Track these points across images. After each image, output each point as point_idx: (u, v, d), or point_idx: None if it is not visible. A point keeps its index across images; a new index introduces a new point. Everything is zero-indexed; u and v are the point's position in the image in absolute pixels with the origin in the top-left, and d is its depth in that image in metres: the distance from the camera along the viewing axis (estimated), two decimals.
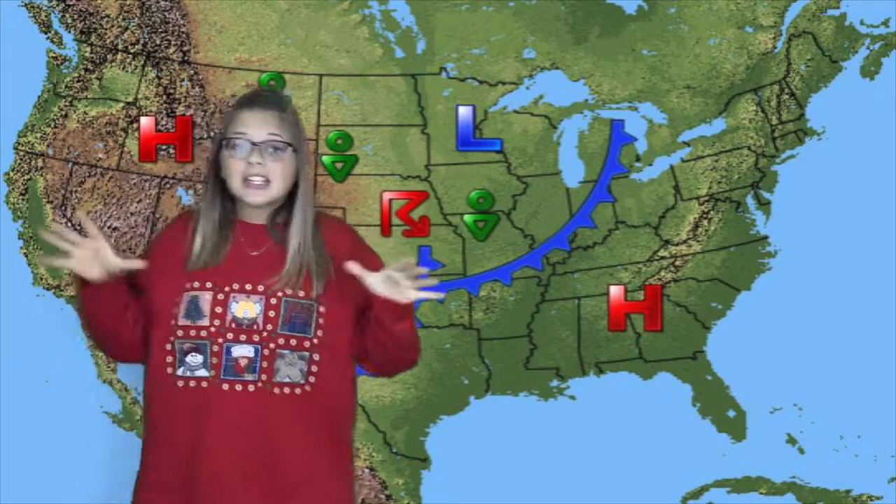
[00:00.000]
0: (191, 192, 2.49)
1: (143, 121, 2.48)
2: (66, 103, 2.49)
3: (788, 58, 2.48)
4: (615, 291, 2.48)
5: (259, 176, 1.79)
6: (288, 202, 1.85)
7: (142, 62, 2.49)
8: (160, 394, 1.80)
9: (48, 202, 2.49)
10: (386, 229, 2.49)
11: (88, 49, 2.49)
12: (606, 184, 2.49)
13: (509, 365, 2.51)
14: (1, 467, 2.50)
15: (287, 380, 1.76)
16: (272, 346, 1.77)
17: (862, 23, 2.48)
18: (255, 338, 1.77)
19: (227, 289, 1.79)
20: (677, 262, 2.50)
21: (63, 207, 2.49)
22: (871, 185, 2.48)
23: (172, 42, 2.49)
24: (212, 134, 2.49)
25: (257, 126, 1.81)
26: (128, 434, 2.52)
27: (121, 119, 2.49)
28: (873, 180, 2.48)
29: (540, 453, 2.51)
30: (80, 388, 2.50)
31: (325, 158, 2.49)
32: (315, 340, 1.79)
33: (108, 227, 2.50)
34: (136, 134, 2.49)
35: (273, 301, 1.78)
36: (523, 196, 2.50)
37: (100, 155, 2.49)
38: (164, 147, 2.49)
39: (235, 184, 1.81)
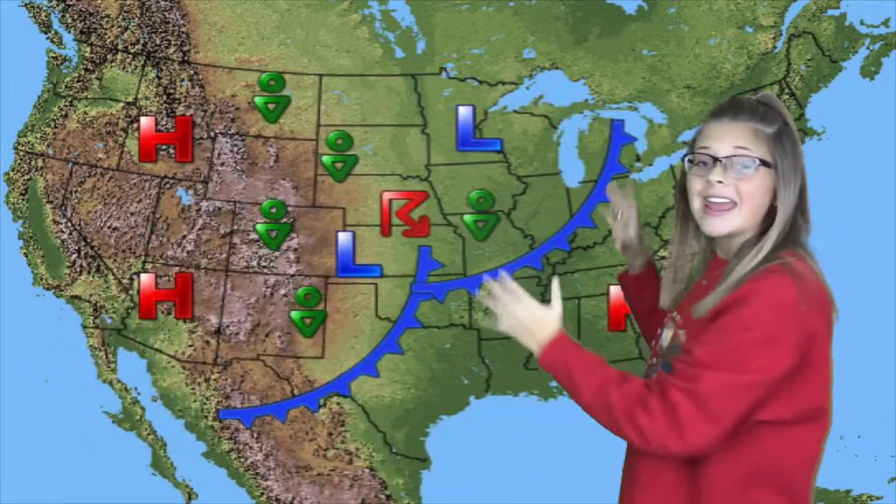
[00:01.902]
0: (191, 192, 2.49)
1: (143, 121, 2.48)
2: (66, 103, 2.49)
3: (788, 58, 2.48)
4: (615, 291, 2.48)
5: (719, 197, 1.53)
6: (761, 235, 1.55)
7: (142, 62, 2.49)
8: None
9: (48, 202, 2.49)
10: (386, 229, 2.49)
11: (88, 49, 2.49)
12: (606, 184, 2.49)
13: (509, 365, 2.51)
14: (1, 467, 2.50)
15: None
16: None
17: (862, 23, 2.48)
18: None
19: (672, 311, 1.68)
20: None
21: (63, 207, 2.49)
22: (871, 185, 2.48)
23: (172, 42, 2.49)
24: (212, 134, 2.49)
25: (722, 138, 1.54)
26: (128, 434, 2.52)
27: (121, 119, 2.49)
28: (873, 180, 2.48)
29: (540, 453, 2.51)
30: (80, 388, 2.50)
31: (325, 158, 2.49)
32: None
33: (108, 227, 2.50)
34: (136, 134, 2.49)
35: (675, 338, 1.61)
36: (523, 196, 2.50)
37: (100, 155, 2.50)
38: (164, 147, 2.49)
39: (695, 207, 1.57)
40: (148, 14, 2.48)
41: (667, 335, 1.63)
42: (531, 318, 1.59)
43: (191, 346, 2.51)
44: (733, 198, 1.52)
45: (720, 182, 1.52)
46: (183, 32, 2.49)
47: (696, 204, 1.56)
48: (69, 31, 2.49)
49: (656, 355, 1.67)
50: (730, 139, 1.53)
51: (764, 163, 1.52)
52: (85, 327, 2.51)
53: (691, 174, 1.58)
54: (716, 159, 1.53)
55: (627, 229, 1.89)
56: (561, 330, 1.59)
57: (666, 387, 1.46)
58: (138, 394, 2.52)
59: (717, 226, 1.54)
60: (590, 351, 1.58)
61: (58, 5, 2.48)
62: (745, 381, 1.43)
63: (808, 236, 1.57)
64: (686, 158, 1.59)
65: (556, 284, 1.61)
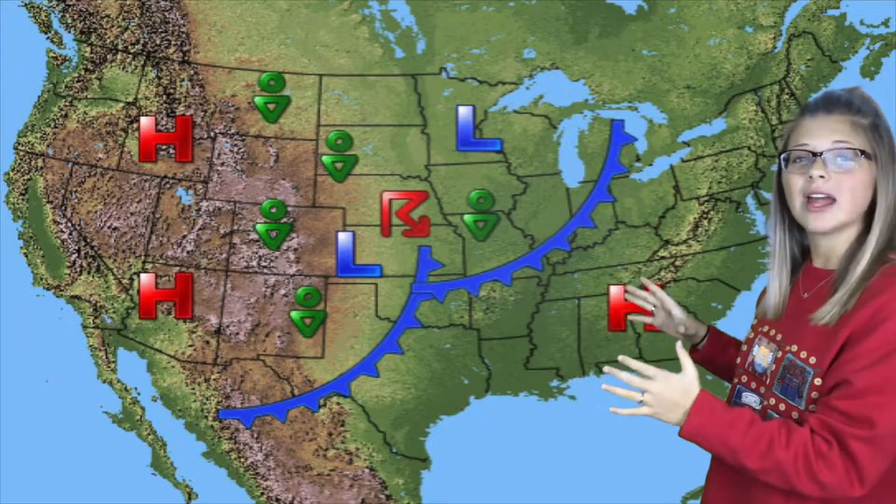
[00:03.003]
0: (190, 192, 2.49)
1: (143, 121, 2.48)
2: (66, 103, 2.49)
3: (788, 58, 2.48)
4: (615, 291, 2.48)
5: (821, 192, 1.49)
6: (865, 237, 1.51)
7: (142, 62, 2.49)
8: None
9: (48, 202, 2.49)
10: (386, 229, 2.49)
11: (88, 49, 2.49)
12: (606, 184, 2.49)
13: (509, 365, 2.51)
14: (1, 467, 2.50)
15: None
16: (767, 402, 1.55)
17: (862, 23, 2.48)
18: (762, 389, 1.57)
19: (760, 328, 1.62)
20: (677, 262, 2.50)
21: (63, 207, 2.49)
22: None
23: (172, 42, 2.49)
24: (212, 134, 2.49)
25: (819, 133, 1.51)
26: (128, 434, 2.52)
27: (121, 119, 2.49)
28: None
29: (540, 453, 2.51)
30: (80, 388, 2.50)
31: (325, 158, 2.49)
32: (806, 413, 1.48)
33: (108, 227, 2.50)
34: (136, 134, 2.49)
35: (779, 354, 1.54)
36: (523, 196, 2.50)
37: (100, 155, 2.50)
38: (164, 147, 2.49)
39: (796, 205, 1.54)
40: (148, 14, 2.48)
41: (762, 353, 1.58)
42: (673, 390, 1.49)
43: (191, 346, 2.51)
44: (833, 193, 1.49)
45: (822, 177, 1.49)
46: (183, 32, 2.49)
47: (797, 202, 1.53)
48: (69, 31, 2.49)
49: (750, 375, 1.61)
50: (828, 133, 1.50)
51: (865, 154, 1.49)
52: (85, 327, 2.51)
53: (788, 172, 1.54)
54: (815, 154, 1.50)
55: (672, 314, 1.87)
56: (701, 390, 1.50)
57: (843, 437, 1.39)
58: (138, 394, 2.52)
59: (820, 222, 1.50)
60: (734, 408, 1.48)
61: (58, 5, 2.48)
62: None
63: None
64: (781, 157, 1.56)
65: (681, 349, 1.53)
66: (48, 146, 2.49)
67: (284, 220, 2.50)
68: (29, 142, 2.49)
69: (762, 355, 1.57)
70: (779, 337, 1.56)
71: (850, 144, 1.49)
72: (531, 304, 2.50)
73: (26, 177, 2.49)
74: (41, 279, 2.50)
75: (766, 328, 1.61)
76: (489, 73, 2.49)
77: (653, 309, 1.92)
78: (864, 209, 1.51)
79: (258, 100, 2.48)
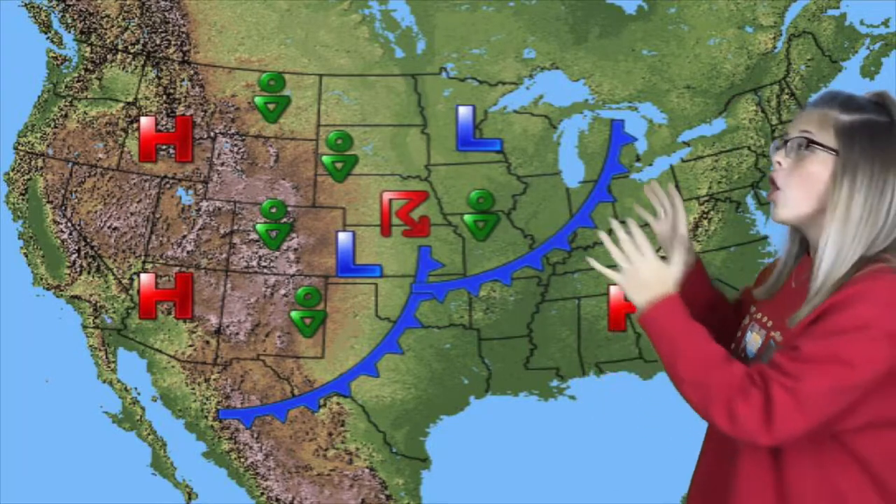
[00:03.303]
0: (190, 192, 2.49)
1: (143, 121, 2.48)
2: (66, 103, 2.49)
3: (788, 58, 2.48)
4: (615, 291, 2.48)
5: (774, 181, 1.51)
6: None
7: (142, 62, 2.49)
8: None
9: (48, 202, 2.49)
10: (386, 229, 2.49)
11: (88, 49, 2.49)
12: (606, 184, 2.49)
13: (509, 365, 2.51)
14: (1, 467, 2.50)
15: None
16: None
17: (862, 23, 2.48)
18: None
19: (755, 314, 1.62)
20: None
21: (63, 207, 2.49)
22: None
23: (172, 42, 2.49)
24: (212, 134, 2.49)
25: (795, 123, 1.52)
26: (128, 434, 2.52)
27: (121, 119, 2.49)
28: None
29: (540, 453, 2.51)
30: (80, 388, 2.50)
31: (325, 158, 2.49)
32: None
33: (108, 227, 2.50)
34: (136, 134, 2.49)
35: (765, 339, 1.56)
36: (523, 196, 2.50)
37: (100, 155, 2.49)
38: (164, 147, 2.49)
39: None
40: (148, 14, 2.48)
41: (753, 339, 1.59)
42: (653, 272, 1.53)
43: (191, 346, 2.51)
44: (779, 181, 1.50)
45: (779, 163, 1.51)
46: (183, 32, 2.49)
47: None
48: (69, 31, 2.49)
49: (741, 360, 1.58)
50: (799, 123, 1.51)
51: (824, 147, 1.46)
52: (85, 327, 2.51)
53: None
54: (786, 142, 1.51)
55: (677, 231, 1.77)
56: (676, 292, 1.52)
57: (769, 380, 1.40)
58: (138, 394, 2.51)
59: (773, 212, 1.53)
60: (695, 321, 1.50)
61: (58, 5, 2.48)
62: (853, 381, 1.38)
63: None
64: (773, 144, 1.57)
65: (679, 246, 1.55)
66: (48, 146, 2.49)
67: (284, 220, 2.49)
68: (29, 142, 2.49)
69: (753, 341, 1.58)
70: (769, 323, 1.56)
71: (809, 135, 1.47)
72: (531, 304, 2.50)
73: (26, 177, 2.49)
74: (41, 279, 2.50)
75: (759, 315, 1.61)
76: (489, 73, 2.49)
77: (662, 213, 1.82)
78: (816, 202, 1.47)
79: (258, 100, 2.48)
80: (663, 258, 1.60)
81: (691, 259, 1.75)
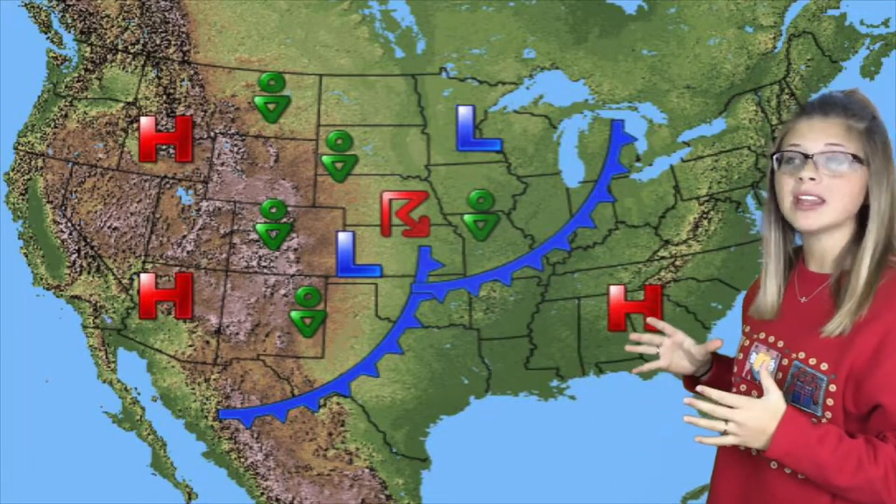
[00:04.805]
0: (190, 192, 2.49)
1: (143, 121, 2.48)
2: (66, 103, 2.49)
3: (788, 58, 2.48)
4: (615, 291, 2.48)
5: (811, 195, 1.50)
6: (859, 241, 1.51)
7: (142, 62, 2.49)
8: None
9: (48, 202, 2.49)
10: (386, 229, 2.49)
11: (88, 49, 2.49)
12: (606, 184, 2.49)
13: (509, 365, 2.51)
14: (1, 467, 2.50)
15: None
16: None
17: (862, 23, 2.48)
18: None
19: (755, 335, 1.61)
20: (677, 262, 2.50)
21: (63, 207, 2.49)
22: None
23: (172, 42, 2.49)
24: (212, 134, 2.49)
25: (812, 135, 1.52)
26: (128, 434, 2.52)
27: (121, 119, 2.49)
28: None
29: (540, 453, 2.51)
30: (80, 388, 2.50)
31: (325, 158, 2.49)
32: (823, 420, 1.47)
33: (108, 227, 2.50)
34: (136, 134, 2.49)
35: (785, 362, 1.53)
36: (523, 196, 2.50)
37: (100, 155, 2.50)
38: (164, 147, 2.49)
39: (785, 205, 1.54)
40: (148, 14, 2.48)
41: (762, 361, 1.57)
42: (758, 416, 1.44)
43: (191, 346, 2.51)
44: (822, 195, 1.49)
45: (812, 179, 1.49)
46: (183, 32, 2.49)
47: (786, 202, 1.53)
48: (69, 31, 2.49)
49: (749, 384, 1.59)
50: (822, 136, 1.51)
51: (857, 159, 1.49)
52: (85, 327, 2.51)
53: (780, 173, 1.55)
54: (807, 156, 1.51)
55: (689, 351, 1.77)
56: (789, 408, 1.44)
57: None
58: (138, 394, 2.52)
59: (806, 221, 1.51)
60: (820, 425, 1.46)
61: (58, 5, 2.48)
62: None
63: None
64: (773, 157, 1.56)
65: (765, 372, 1.47)
66: (48, 146, 2.49)
67: (284, 220, 2.50)
68: (29, 142, 2.49)
69: (762, 363, 1.57)
70: (780, 344, 1.55)
71: (843, 148, 1.49)
72: (531, 304, 2.50)
73: (26, 177, 2.49)
74: (41, 279, 2.50)
75: (762, 335, 1.60)
76: (489, 73, 2.49)
77: (658, 350, 1.80)
78: (854, 212, 1.52)
79: (258, 100, 2.48)
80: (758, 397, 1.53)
81: (706, 355, 1.77)
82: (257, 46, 2.49)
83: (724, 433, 1.45)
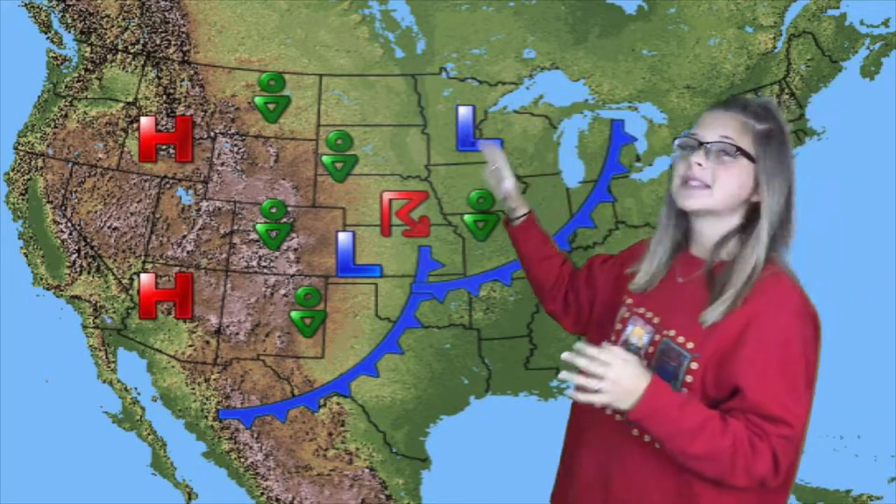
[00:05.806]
0: (190, 192, 2.50)
1: (143, 121, 2.48)
2: (66, 103, 2.49)
3: (788, 58, 2.48)
4: None
5: (697, 179, 1.61)
6: (741, 234, 1.62)
7: (142, 62, 2.49)
8: None
9: (48, 202, 2.49)
10: (386, 229, 2.49)
11: (88, 49, 2.49)
12: (606, 184, 2.50)
13: (509, 365, 2.51)
14: (1, 467, 2.50)
15: None
16: None
17: (862, 23, 2.48)
18: None
19: (635, 309, 1.70)
20: None
21: (63, 207, 2.49)
22: (871, 185, 2.48)
23: (172, 42, 2.49)
24: (212, 134, 2.49)
25: (711, 126, 1.64)
26: (128, 434, 2.52)
27: (121, 119, 2.49)
28: (873, 180, 2.48)
29: (540, 453, 2.51)
30: (80, 388, 2.50)
31: (325, 158, 2.49)
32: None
33: (108, 227, 2.50)
34: (136, 134, 2.49)
35: (657, 337, 1.63)
36: (523, 196, 2.50)
37: (100, 155, 2.50)
38: (164, 147, 2.49)
39: (675, 185, 1.66)
40: (148, 14, 2.48)
41: (637, 333, 1.66)
42: (629, 376, 1.51)
43: (191, 346, 2.51)
44: (706, 181, 1.60)
45: (699, 165, 1.61)
46: (183, 32, 2.49)
47: (675, 183, 1.65)
48: (69, 31, 2.49)
49: (621, 345, 1.67)
50: (717, 128, 1.62)
51: (745, 154, 1.60)
52: (85, 327, 2.51)
53: (678, 157, 1.67)
54: (701, 143, 1.62)
55: (503, 180, 2.04)
56: (655, 376, 1.53)
57: (769, 435, 1.50)
58: (138, 394, 2.52)
59: (688, 200, 1.62)
60: (679, 392, 1.55)
61: (58, 5, 2.48)
62: (812, 389, 1.57)
63: (790, 241, 1.63)
64: (676, 143, 1.68)
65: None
66: (48, 146, 2.49)
67: (284, 220, 2.50)
68: (29, 142, 2.49)
69: (636, 335, 1.66)
70: (656, 320, 1.65)
71: (733, 141, 1.60)
72: (531, 304, 2.50)
73: (26, 177, 2.49)
74: (41, 279, 2.50)
75: (641, 309, 1.69)
76: (489, 73, 2.49)
77: (491, 166, 2.08)
78: (737, 204, 1.62)
79: (258, 100, 2.48)
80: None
81: (521, 210, 2.04)
82: (257, 46, 2.49)
83: (597, 391, 1.52)
